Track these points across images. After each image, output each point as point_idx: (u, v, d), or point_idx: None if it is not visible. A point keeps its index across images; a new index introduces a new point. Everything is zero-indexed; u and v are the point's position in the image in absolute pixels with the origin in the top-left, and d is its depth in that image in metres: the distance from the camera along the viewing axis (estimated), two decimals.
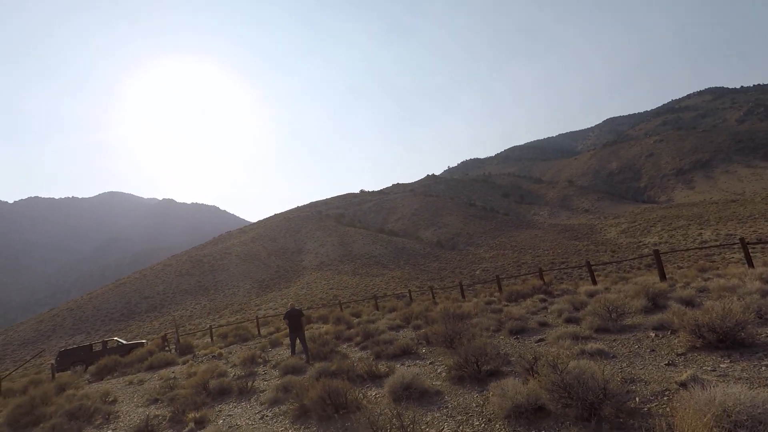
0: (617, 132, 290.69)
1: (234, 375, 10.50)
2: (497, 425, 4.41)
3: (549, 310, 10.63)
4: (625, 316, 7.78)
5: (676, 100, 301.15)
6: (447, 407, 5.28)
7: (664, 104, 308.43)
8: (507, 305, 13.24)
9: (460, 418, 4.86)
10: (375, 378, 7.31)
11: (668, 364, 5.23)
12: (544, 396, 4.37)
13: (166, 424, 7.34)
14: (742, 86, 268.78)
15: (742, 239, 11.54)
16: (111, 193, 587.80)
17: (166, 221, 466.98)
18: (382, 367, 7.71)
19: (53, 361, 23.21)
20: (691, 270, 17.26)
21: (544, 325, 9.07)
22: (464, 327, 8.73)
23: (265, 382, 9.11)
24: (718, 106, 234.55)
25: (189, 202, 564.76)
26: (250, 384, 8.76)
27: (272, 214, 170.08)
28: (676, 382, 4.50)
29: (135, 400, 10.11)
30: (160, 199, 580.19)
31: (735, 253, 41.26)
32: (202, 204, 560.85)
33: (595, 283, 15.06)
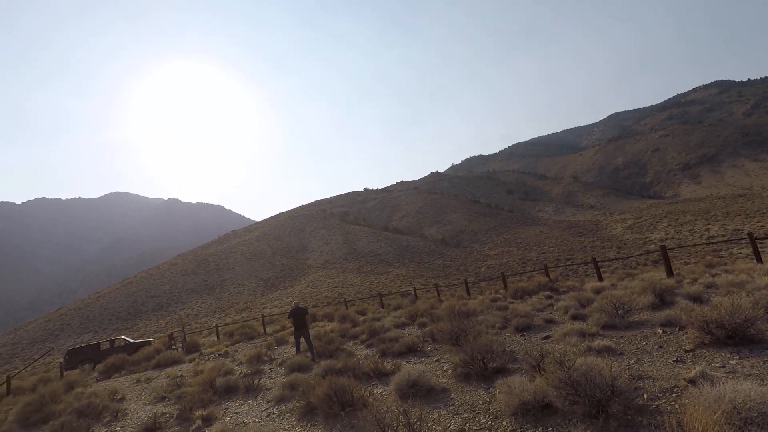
0: (622, 127, 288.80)
1: (240, 373, 10.54)
2: (504, 422, 4.40)
3: (555, 307, 10.59)
4: (632, 312, 7.73)
5: (681, 94, 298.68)
6: (453, 404, 5.27)
7: (669, 98, 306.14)
8: (512, 302, 13.19)
9: (466, 415, 4.85)
10: (381, 375, 7.32)
11: (676, 361, 5.19)
12: (551, 393, 4.35)
13: (173, 422, 7.38)
14: (749, 79, 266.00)
15: (750, 234, 11.42)
16: (117, 193, 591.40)
17: (172, 221, 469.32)
18: (387, 364, 7.71)
19: (62, 360, 23.44)
20: (699, 266, 17.13)
21: (550, 322, 9.03)
22: (470, 324, 8.71)
23: (272, 380, 9.13)
24: (725, 99, 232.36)
25: (194, 201, 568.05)
26: (256, 382, 8.78)
27: (277, 213, 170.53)
28: (684, 379, 4.47)
29: (142, 397, 10.18)
30: (166, 198, 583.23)
31: (743, 248, 40.93)
32: (207, 203, 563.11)
33: (601, 279, 14.98)
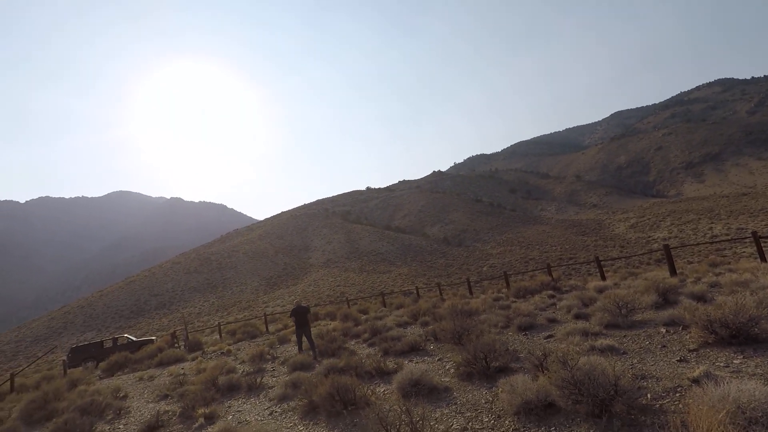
0: (625, 125, 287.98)
1: (243, 371, 10.55)
2: (507, 421, 4.39)
3: (558, 307, 10.56)
4: (635, 311, 7.70)
5: (685, 92, 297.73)
6: (456, 403, 5.27)
7: (672, 96, 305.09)
8: (515, 301, 13.18)
9: (469, 414, 4.85)
10: (383, 374, 7.32)
11: (680, 360, 5.17)
12: (554, 392, 4.34)
13: (176, 420, 7.40)
14: (752, 77, 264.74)
15: (754, 233, 11.37)
16: (120, 192, 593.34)
17: (174, 220, 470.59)
18: (390, 363, 7.70)
19: (65, 358, 23.52)
20: (702, 265, 17.07)
21: (552, 321, 9.00)
22: (472, 323, 8.69)
23: (274, 379, 9.14)
24: (728, 97, 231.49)
25: (197, 200, 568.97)
26: (258, 380, 8.80)
27: (279, 212, 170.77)
28: (688, 379, 4.45)
29: (145, 395, 10.21)
30: (168, 197, 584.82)
31: (747, 247, 40.77)
32: (210, 202, 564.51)
33: (604, 278, 14.94)
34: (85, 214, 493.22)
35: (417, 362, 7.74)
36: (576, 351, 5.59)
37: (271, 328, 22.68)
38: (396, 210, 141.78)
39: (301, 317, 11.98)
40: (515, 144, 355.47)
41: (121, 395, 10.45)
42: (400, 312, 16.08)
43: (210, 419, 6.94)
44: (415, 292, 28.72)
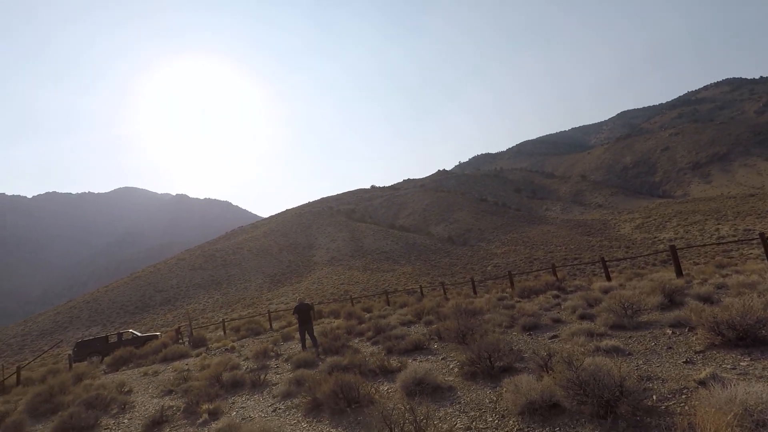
0: (631, 125, 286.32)
1: (247, 368, 10.59)
2: (511, 421, 4.37)
3: (562, 307, 10.52)
4: (640, 312, 7.65)
5: (692, 91, 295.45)
6: (460, 403, 5.26)
7: (679, 96, 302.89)
8: (519, 301, 13.14)
9: (473, 413, 4.84)
10: (387, 373, 7.31)
11: (686, 362, 5.13)
12: (558, 393, 4.32)
13: (180, 415, 7.44)
14: (761, 77, 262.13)
15: (761, 234, 11.26)
16: (126, 188, 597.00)
17: (180, 216, 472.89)
18: (394, 362, 7.70)
19: (70, 352, 23.72)
20: (709, 266, 16.96)
21: (557, 321, 8.96)
22: (476, 323, 8.67)
23: (278, 376, 9.17)
24: (736, 97, 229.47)
25: (202, 197, 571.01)
26: (262, 377, 8.83)
27: (284, 209, 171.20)
28: (694, 380, 4.42)
29: (150, 390, 10.27)
30: (174, 194, 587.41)
31: (754, 248, 40.43)
32: (215, 199, 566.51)
33: (609, 279, 14.87)
34: (91, 209, 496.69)
35: (421, 361, 7.73)
36: (581, 351, 5.56)
37: (275, 325, 22.75)
38: (400, 209, 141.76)
39: (304, 315, 12.09)
40: (520, 143, 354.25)
41: (126, 390, 10.51)
42: (403, 311, 16.09)
43: (214, 415, 6.97)
44: (419, 291, 28.70)
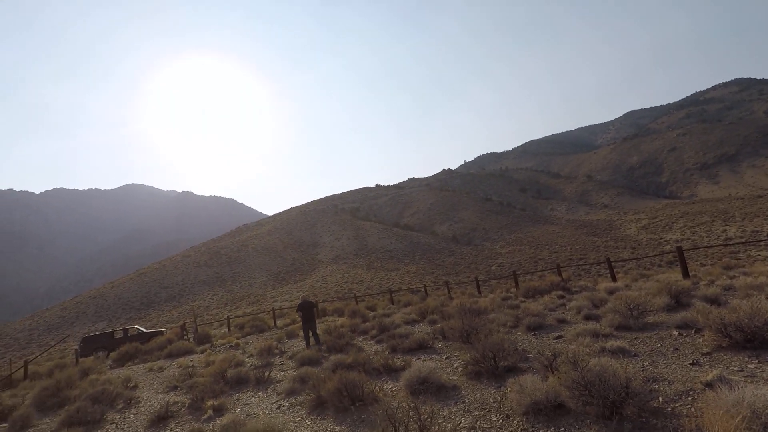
0: (638, 125, 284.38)
1: (251, 365, 10.63)
2: (515, 421, 4.36)
3: (567, 307, 10.46)
4: (646, 313, 7.60)
5: (700, 91, 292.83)
6: (464, 402, 5.25)
7: (687, 96, 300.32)
8: (524, 301, 13.09)
9: (477, 413, 4.83)
10: (391, 371, 7.32)
11: (693, 364, 5.09)
12: (563, 393, 4.31)
13: (185, 411, 7.48)
14: None
15: None
16: (132, 185, 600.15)
17: (185, 213, 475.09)
18: (398, 360, 7.71)
19: (77, 347, 23.91)
20: (716, 267, 16.83)
21: (562, 321, 8.92)
22: (481, 322, 8.65)
23: (282, 373, 9.20)
24: (745, 97, 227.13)
25: (207, 194, 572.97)
26: (267, 374, 8.86)
27: (288, 207, 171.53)
28: (701, 382, 4.38)
29: (155, 386, 10.34)
30: (180, 191, 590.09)
31: (762, 250, 40.09)
32: (220, 197, 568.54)
33: (614, 279, 14.78)
34: (98, 206, 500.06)
35: (425, 360, 7.73)
36: (586, 352, 5.54)
37: (279, 322, 22.83)
38: (405, 207, 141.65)
39: (308, 312, 12.17)
40: (526, 143, 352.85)
41: (132, 385, 10.59)
42: (408, 310, 16.09)
43: (218, 411, 7.01)
44: (423, 290, 28.69)
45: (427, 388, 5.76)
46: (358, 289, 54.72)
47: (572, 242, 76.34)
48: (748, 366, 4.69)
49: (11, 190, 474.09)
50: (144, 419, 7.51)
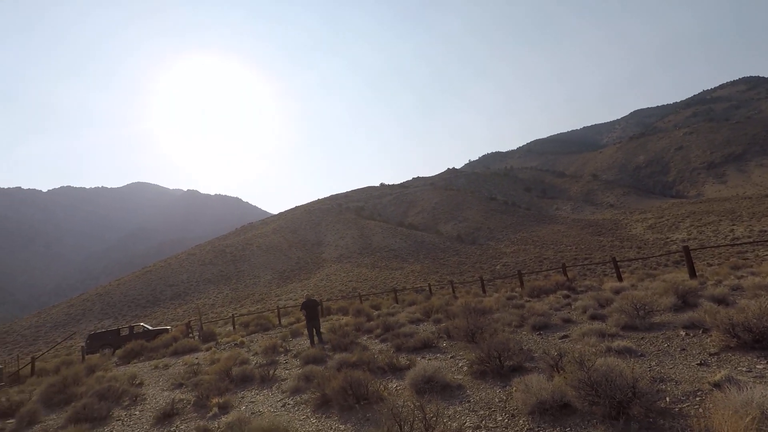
0: (645, 124, 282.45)
1: (256, 363, 10.66)
2: (521, 421, 4.35)
3: (573, 307, 10.42)
4: (653, 314, 7.55)
5: (707, 90, 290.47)
6: (469, 401, 5.24)
7: (694, 95, 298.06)
8: (529, 301, 13.05)
9: (482, 412, 4.81)
10: (396, 370, 7.31)
11: (700, 364, 5.05)
12: (569, 393, 4.28)
13: (190, 408, 7.52)
14: None
15: None
16: (138, 183, 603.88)
17: (191, 211, 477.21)
18: (402, 359, 7.70)
19: (83, 344, 24.10)
20: (723, 267, 16.69)
21: (568, 321, 8.89)
22: (486, 322, 8.63)
23: (287, 371, 9.22)
24: (753, 96, 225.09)
25: (212, 193, 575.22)
26: (271, 372, 8.88)
27: (293, 206, 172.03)
28: (709, 383, 4.35)
29: (160, 383, 10.40)
30: (185, 190, 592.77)
31: None
32: (225, 195, 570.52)
33: (620, 279, 14.70)
34: (104, 204, 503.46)
35: (430, 359, 7.72)
36: (592, 352, 5.50)
37: (284, 321, 22.89)
38: (409, 207, 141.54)
39: (312, 310, 12.19)
40: (531, 142, 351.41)
41: (137, 382, 10.65)
42: (412, 309, 16.08)
43: (224, 409, 7.04)
44: (427, 289, 28.66)
45: (432, 387, 5.75)
46: (363, 288, 54.75)
47: (577, 242, 76.00)
48: (757, 366, 4.64)
49: (19, 188, 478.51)
50: (150, 416, 7.55)
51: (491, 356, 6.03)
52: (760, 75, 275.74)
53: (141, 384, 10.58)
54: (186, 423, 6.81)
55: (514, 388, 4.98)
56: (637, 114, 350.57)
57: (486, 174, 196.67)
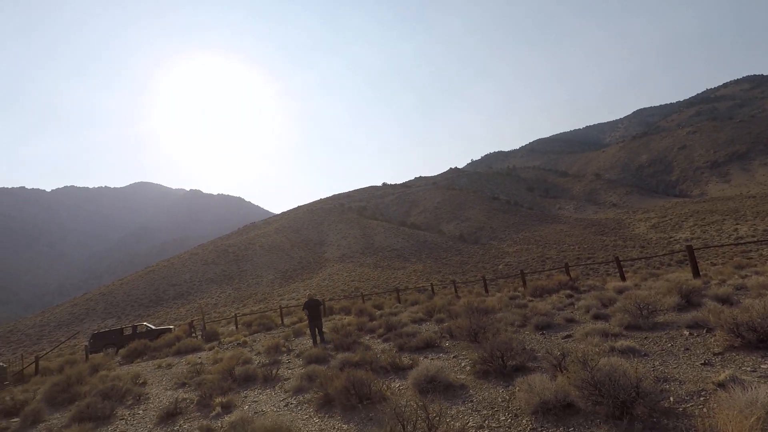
0: (648, 123, 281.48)
1: (259, 363, 10.68)
2: (524, 420, 4.34)
3: (576, 306, 10.40)
4: (656, 313, 7.53)
5: (711, 89, 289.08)
6: (472, 401, 5.23)
7: (698, 94, 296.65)
8: (532, 300, 13.02)
9: (485, 412, 4.81)
10: (398, 370, 7.31)
11: (704, 364, 5.03)
12: (573, 393, 4.27)
13: (193, 408, 7.54)
14: None
15: None
16: (141, 183, 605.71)
17: (194, 211, 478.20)
18: (405, 359, 7.70)
19: (87, 343, 24.17)
20: (727, 267, 16.62)
21: (571, 321, 8.87)
22: (488, 321, 8.62)
23: (289, 371, 9.23)
24: (757, 95, 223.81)
25: (215, 193, 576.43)
26: (274, 372, 8.89)
27: (296, 206, 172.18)
28: (713, 383, 4.33)
29: (164, 383, 10.42)
30: (188, 189, 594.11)
31: None
32: (228, 195, 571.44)
33: (623, 279, 14.65)
34: (107, 203, 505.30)
35: (432, 359, 7.72)
36: (595, 351, 5.49)
37: (287, 320, 22.92)
38: (412, 206, 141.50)
39: (314, 310, 12.20)
40: (534, 141, 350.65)
41: (141, 382, 10.69)
42: (414, 308, 16.07)
43: (227, 408, 7.05)
44: (430, 288, 28.64)
45: (435, 386, 5.75)
46: (365, 288, 54.77)
47: (580, 241, 75.82)
48: (761, 366, 4.62)
49: (23, 187, 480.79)
50: (153, 415, 7.58)
51: (494, 356, 6.02)
52: (764, 73, 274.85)
53: (144, 383, 10.62)
54: (189, 422, 6.83)
55: (517, 388, 4.97)
56: (639, 113, 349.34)
57: (488, 173, 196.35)
